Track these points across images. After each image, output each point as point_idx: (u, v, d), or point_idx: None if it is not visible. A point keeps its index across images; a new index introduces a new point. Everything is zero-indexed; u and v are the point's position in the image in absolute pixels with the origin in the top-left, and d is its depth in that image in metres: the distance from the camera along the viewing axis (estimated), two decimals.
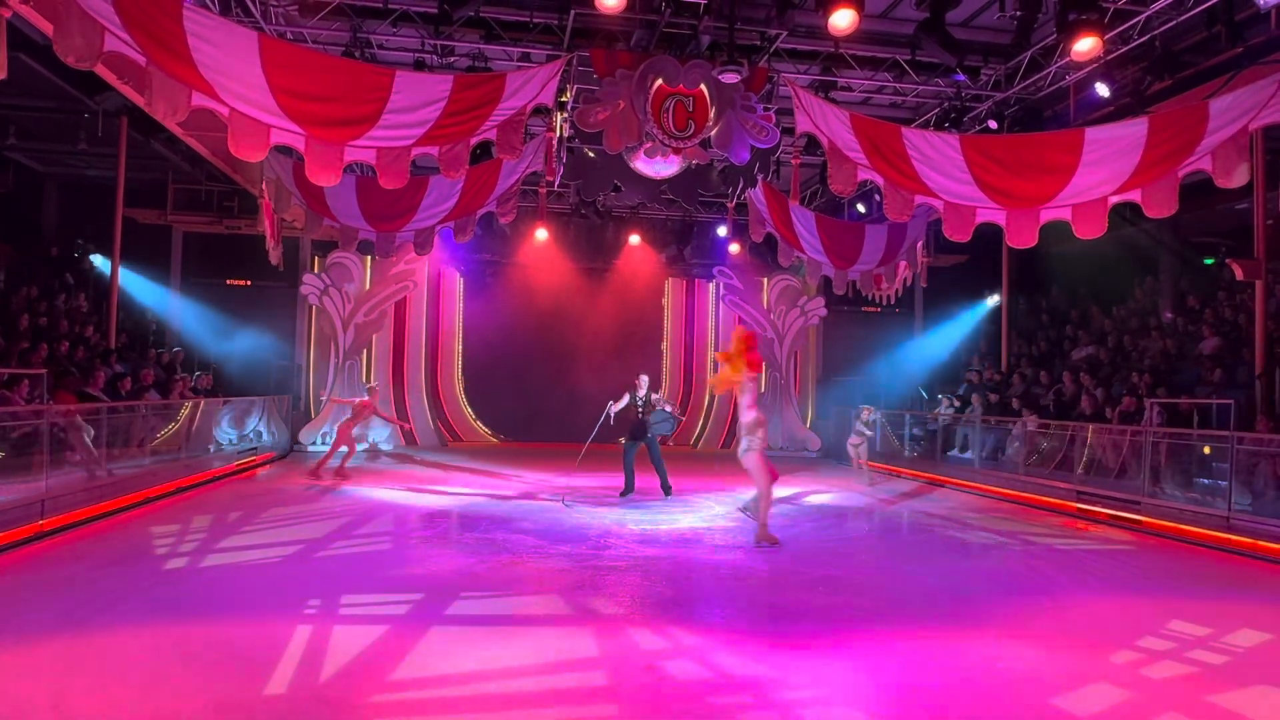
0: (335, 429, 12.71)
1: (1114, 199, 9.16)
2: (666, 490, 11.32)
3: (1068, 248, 15.32)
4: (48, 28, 7.16)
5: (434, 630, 5.28)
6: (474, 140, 9.14)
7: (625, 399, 11.19)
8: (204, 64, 7.46)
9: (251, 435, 14.28)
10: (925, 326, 20.84)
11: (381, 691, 4.25)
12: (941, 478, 14.01)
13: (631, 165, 11.03)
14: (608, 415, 11.21)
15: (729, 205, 16.05)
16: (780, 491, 12.47)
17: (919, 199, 9.65)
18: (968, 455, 14.04)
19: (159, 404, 11.72)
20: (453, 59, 11.16)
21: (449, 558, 7.35)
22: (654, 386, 11.65)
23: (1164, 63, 10.18)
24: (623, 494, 11.11)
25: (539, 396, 19.00)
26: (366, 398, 12.77)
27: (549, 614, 5.79)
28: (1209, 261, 16.90)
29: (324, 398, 13.54)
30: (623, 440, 11.34)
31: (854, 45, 11.21)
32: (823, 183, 15.36)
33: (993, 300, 20.39)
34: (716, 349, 20.45)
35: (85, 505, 8.54)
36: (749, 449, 8.09)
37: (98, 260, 16.75)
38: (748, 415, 8.11)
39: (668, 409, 11.44)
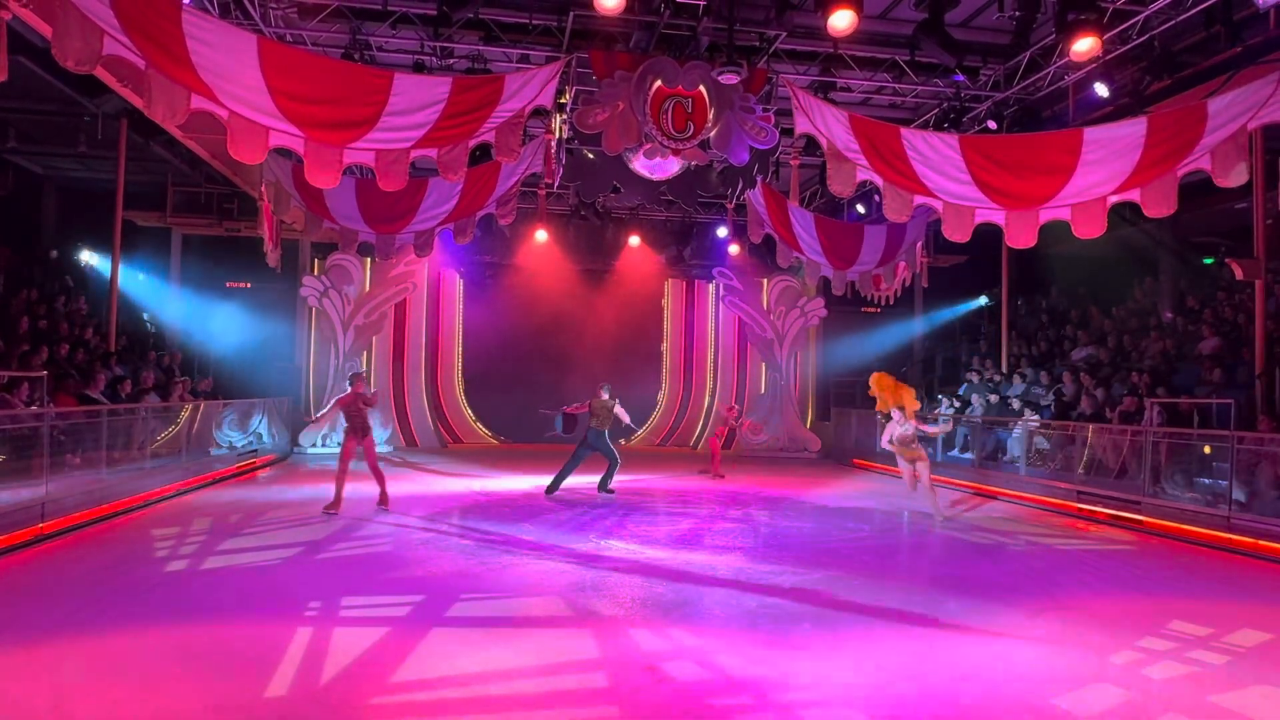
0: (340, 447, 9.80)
1: (1113, 199, 9.16)
2: (552, 489, 11.55)
3: (1067, 248, 15.34)
4: (47, 30, 7.16)
5: (434, 632, 5.28)
6: (473, 142, 9.14)
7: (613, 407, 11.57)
8: (203, 67, 7.46)
9: (252, 438, 14.28)
10: (925, 327, 20.88)
11: (382, 693, 4.25)
12: (940, 478, 14.00)
13: (630, 166, 11.04)
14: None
15: (728, 206, 16.09)
16: (779, 493, 12.51)
17: (918, 199, 9.65)
18: (967, 456, 14.04)
19: (159, 406, 11.72)
20: (452, 61, 11.17)
21: (449, 559, 7.35)
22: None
23: (1163, 62, 10.19)
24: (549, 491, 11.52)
25: (539, 398, 19.00)
26: (350, 389, 9.67)
27: (549, 615, 5.79)
28: (1209, 261, 16.91)
29: (316, 417, 11.84)
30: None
31: (853, 46, 11.22)
32: (822, 183, 15.37)
33: (983, 299, 20.47)
34: (717, 350, 20.51)
35: (85, 508, 8.54)
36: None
37: (89, 257, 16.70)
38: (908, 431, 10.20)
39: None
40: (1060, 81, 11.58)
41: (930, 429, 10.69)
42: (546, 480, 11.64)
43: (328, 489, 11.29)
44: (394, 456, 16.49)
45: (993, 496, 12.37)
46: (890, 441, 10.32)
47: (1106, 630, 5.68)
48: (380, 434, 17.60)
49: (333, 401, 9.88)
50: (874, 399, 10.65)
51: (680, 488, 12.71)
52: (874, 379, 10.55)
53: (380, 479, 9.76)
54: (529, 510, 10.22)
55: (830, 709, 4.23)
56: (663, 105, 9.81)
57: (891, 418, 10.28)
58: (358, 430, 9.55)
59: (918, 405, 10.42)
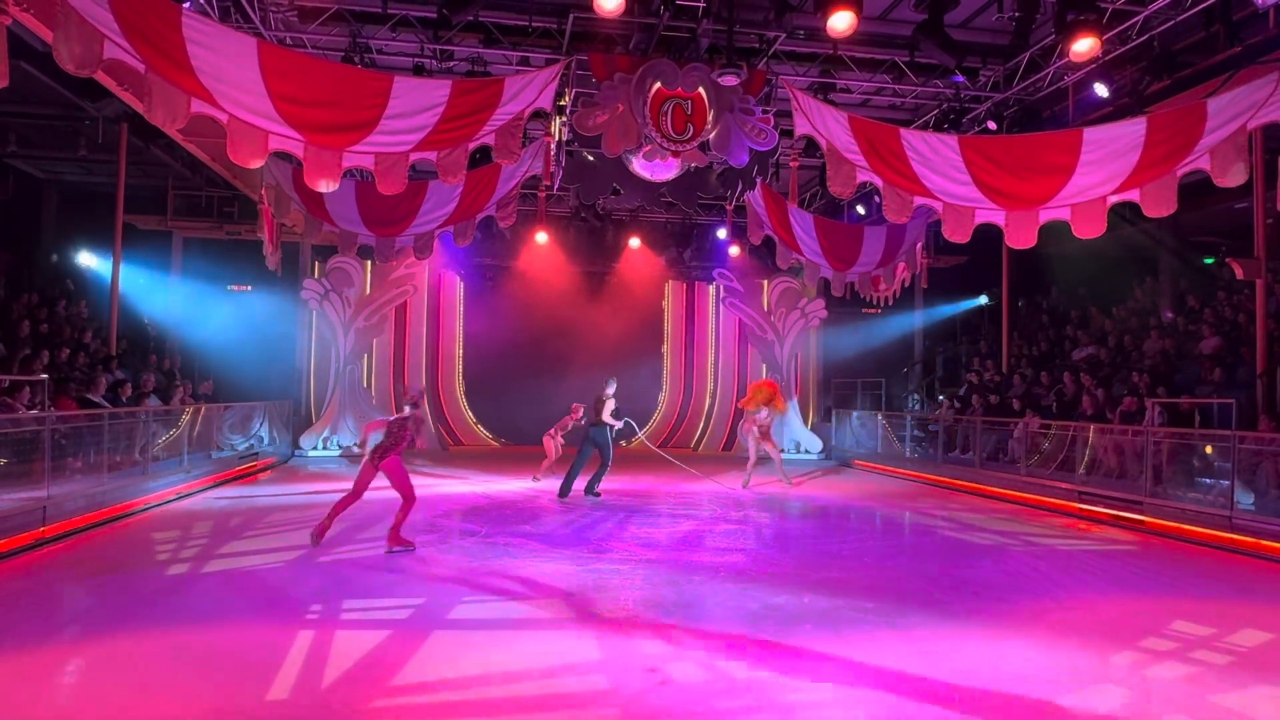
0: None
1: (1113, 199, 9.16)
2: (565, 492, 11.29)
3: (1067, 248, 15.34)
4: (47, 35, 7.18)
5: (436, 634, 5.28)
6: (472, 145, 9.13)
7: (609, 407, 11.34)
8: (203, 71, 7.47)
9: (253, 440, 14.29)
10: (926, 327, 20.88)
11: (383, 696, 4.25)
12: (941, 478, 14.00)
13: (630, 168, 11.03)
14: (626, 425, 11.58)
15: (728, 208, 16.07)
16: (781, 494, 12.51)
17: (918, 200, 9.65)
18: (968, 457, 14.03)
19: (160, 410, 11.73)
20: (452, 64, 11.18)
21: (450, 561, 7.36)
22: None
23: (1162, 63, 10.20)
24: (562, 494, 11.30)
25: (540, 399, 18.98)
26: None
27: (551, 617, 5.79)
28: (1209, 261, 16.91)
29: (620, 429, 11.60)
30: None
31: (853, 47, 11.22)
32: (822, 185, 15.37)
33: (983, 299, 20.49)
34: (718, 352, 20.50)
35: (86, 512, 8.54)
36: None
37: (90, 260, 16.69)
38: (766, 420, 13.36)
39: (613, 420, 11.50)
40: (1060, 82, 11.58)
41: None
42: (548, 483, 11.62)
43: (330, 491, 11.24)
44: None
45: (995, 497, 12.37)
46: (753, 430, 13.18)
47: (1108, 630, 5.68)
48: (377, 437, 17.55)
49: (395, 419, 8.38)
50: (760, 396, 13.36)
51: (682, 490, 12.70)
52: (768, 383, 13.88)
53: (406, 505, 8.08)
54: (530, 512, 10.22)
55: (832, 710, 4.23)
56: (662, 107, 9.81)
57: (760, 412, 13.11)
58: (383, 452, 7.98)
59: (783, 409, 14.10)
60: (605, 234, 18.96)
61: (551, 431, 13.22)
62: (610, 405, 11.39)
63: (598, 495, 11.35)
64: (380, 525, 9.03)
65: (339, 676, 4.49)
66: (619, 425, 11.47)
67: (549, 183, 11.95)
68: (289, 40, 10.73)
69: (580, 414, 12.02)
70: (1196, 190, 10.13)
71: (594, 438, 11.32)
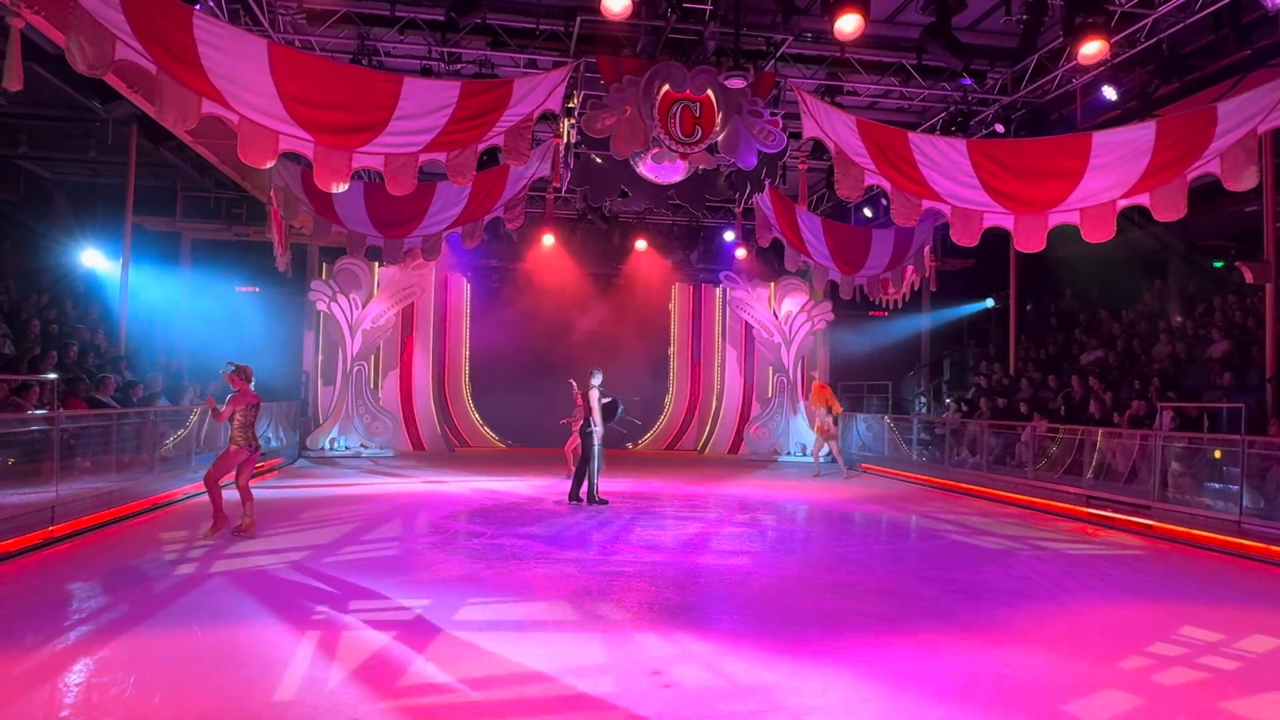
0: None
1: (1122, 203, 9.13)
2: (578, 498, 10.85)
3: (1076, 251, 15.29)
4: (59, 38, 7.23)
5: (441, 636, 5.28)
6: (481, 146, 9.17)
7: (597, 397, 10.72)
8: (214, 71, 7.51)
9: (260, 441, 14.30)
10: (933, 330, 20.84)
11: (389, 698, 4.26)
12: (948, 482, 13.97)
13: (638, 171, 11.04)
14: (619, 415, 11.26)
15: (736, 210, 16.09)
16: (786, 497, 12.49)
17: (926, 204, 9.64)
18: (976, 460, 13.99)
19: (168, 410, 11.76)
20: (459, 66, 11.22)
21: (456, 563, 7.36)
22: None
23: (1171, 66, 10.17)
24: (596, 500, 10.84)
25: (546, 401, 18.99)
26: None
27: (556, 620, 5.79)
28: (1218, 264, 16.85)
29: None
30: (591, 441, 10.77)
31: (860, 50, 11.23)
32: (829, 187, 15.34)
33: (988, 302, 20.46)
34: (725, 354, 20.49)
35: (95, 511, 8.58)
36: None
37: (99, 261, 16.76)
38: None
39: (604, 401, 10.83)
40: (1068, 85, 11.56)
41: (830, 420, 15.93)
42: (552, 485, 11.56)
43: (336, 491, 11.29)
44: (394, 462, 16.52)
45: (1001, 500, 12.33)
46: (818, 427, 15.77)
47: (1116, 636, 5.65)
48: (385, 437, 17.63)
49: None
50: (814, 399, 15.99)
51: (687, 492, 12.70)
52: (819, 386, 16.31)
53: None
54: (536, 514, 10.23)
55: (837, 715, 4.22)
56: (671, 109, 9.82)
57: (820, 413, 15.66)
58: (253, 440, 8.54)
59: (839, 409, 16.18)
60: (612, 236, 18.97)
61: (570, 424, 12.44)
62: (594, 396, 10.70)
63: (579, 500, 10.86)
64: (382, 528, 9.05)
65: (345, 677, 4.49)
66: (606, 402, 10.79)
67: (557, 185, 11.97)
68: (297, 42, 10.77)
69: (576, 391, 11.41)
70: (1205, 194, 10.10)
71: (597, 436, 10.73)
